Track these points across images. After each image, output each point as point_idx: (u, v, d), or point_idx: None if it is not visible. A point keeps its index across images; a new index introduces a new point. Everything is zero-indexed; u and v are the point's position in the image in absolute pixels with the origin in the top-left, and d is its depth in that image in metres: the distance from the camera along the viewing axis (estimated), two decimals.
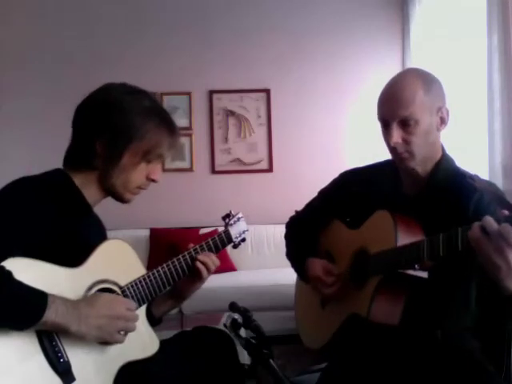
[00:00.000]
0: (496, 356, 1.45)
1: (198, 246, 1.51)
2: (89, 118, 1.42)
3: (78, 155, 1.41)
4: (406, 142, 1.41)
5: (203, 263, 1.49)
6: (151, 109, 1.42)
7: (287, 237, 1.83)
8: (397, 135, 1.40)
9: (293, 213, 1.85)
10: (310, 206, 1.78)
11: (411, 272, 1.33)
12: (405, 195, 1.50)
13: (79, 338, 1.22)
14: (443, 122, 1.45)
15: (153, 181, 1.45)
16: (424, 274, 1.32)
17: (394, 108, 1.40)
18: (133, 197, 1.46)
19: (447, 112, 1.45)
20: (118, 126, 1.37)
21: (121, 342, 1.29)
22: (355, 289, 1.48)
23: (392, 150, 1.43)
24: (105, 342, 1.28)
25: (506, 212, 1.11)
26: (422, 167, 1.46)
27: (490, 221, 1.11)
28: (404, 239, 1.35)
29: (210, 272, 1.51)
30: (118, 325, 1.27)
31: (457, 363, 1.37)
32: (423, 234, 1.37)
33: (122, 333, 1.29)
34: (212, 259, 1.50)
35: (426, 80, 1.43)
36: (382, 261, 1.39)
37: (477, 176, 1.47)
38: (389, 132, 1.41)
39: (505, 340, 1.46)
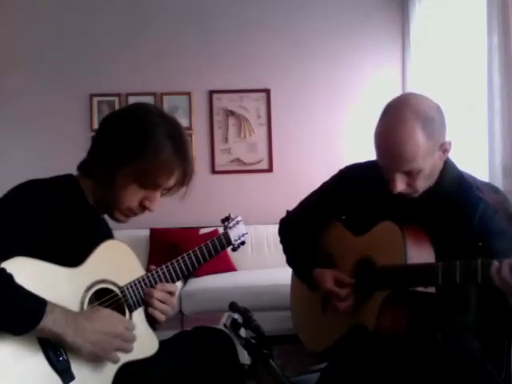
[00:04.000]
0: (496, 356, 1.45)
1: (197, 248, 1.51)
2: (101, 128, 1.41)
3: (87, 161, 1.41)
4: (410, 185, 1.37)
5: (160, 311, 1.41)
6: (167, 137, 1.35)
7: (284, 242, 1.77)
8: (400, 184, 1.36)
9: (293, 208, 1.78)
10: (305, 205, 1.72)
11: (420, 289, 1.32)
12: (407, 199, 1.47)
13: (74, 350, 1.20)
14: (446, 151, 1.40)
15: (145, 208, 1.39)
16: (432, 289, 1.32)
17: (396, 165, 1.34)
18: (123, 218, 1.41)
19: (449, 144, 1.39)
20: (123, 141, 1.33)
21: (115, 361, 1.27)
22: (359, 299, 1.47)
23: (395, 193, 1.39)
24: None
25: None
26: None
27: None
28: (413, 255, 1.34)
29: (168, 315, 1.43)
30: (114, 343, 1.25)
31: (457, 364, 1.37)
32: (432, 250, 1.36)
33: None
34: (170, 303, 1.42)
35: (426, 121, 1.32)
36: (391, 277, 1.38)
37: (483, 185, 1.46)
38: (391, 180, 1.36)
39: (505, 340, 1.46)
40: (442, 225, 1.40)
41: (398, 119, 1.33)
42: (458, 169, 1.48)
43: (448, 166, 1.45)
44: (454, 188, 1.43)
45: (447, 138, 1.40)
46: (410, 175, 1.36)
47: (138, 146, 1.32)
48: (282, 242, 1.79)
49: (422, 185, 1.40)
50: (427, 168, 1.36)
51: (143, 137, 1.33)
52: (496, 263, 1.15)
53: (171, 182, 1.39)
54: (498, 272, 1.13)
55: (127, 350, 1.29)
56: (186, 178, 1.42)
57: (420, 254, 1.34)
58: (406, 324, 1.38)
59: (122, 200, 1.36)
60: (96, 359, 1.25)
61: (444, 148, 1.39)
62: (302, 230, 1.70)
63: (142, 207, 1.40)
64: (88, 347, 1.21)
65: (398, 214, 1.43)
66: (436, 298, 1.36)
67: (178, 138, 1.38)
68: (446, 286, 1.28)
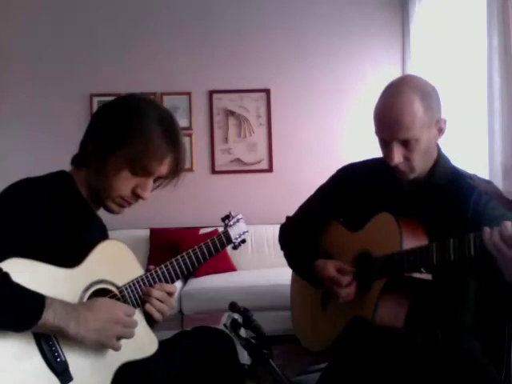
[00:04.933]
0: (496, 356, 1.46)
1: (197, 247, 1.50)
2: (92, 118, 1.43)
3: (79, 153, 1.42)
4: (407, 159, 1.40)
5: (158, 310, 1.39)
6: (156, 122, 1.35)
7: (286, 247, 1.77)
8: (398, 155, 1.39)
9: (293, 213, 1.79)
10: (305, 208, 1.74)
11: (417, 275, 1.32)
12: (403, 193, 1.50)
13: (78, 341, 1.21)
14: (441, 131, 1.44)
15: (138, 196, 1.38)
16: (428, 276, 1.32)
17: (395, 131, 1.38)
18: (117, 207, 1.40)
19: (444, 122, 1.44)
20: (112, 127, 1.34)
21: (117, 348, 1.27)
22: (359, 292, 1.47)
23: (393, 166, 1.42)
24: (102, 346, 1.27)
25: None
26: (421, 173, 1.46)
27: (507, 227, 1.12)
28: (409, 244, 1.35)
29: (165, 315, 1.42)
30: (115, 329, 1.26)
31: (457, 364, 1.37)
32: (427, 238, 1.37)
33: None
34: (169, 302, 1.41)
35: (424, 95, 1.38)
36: (388, 264, 1.38)
37: (475, 175, 1.48)
38: (389, 151, 1.40)
39: (505, 340, 1.46)
40: (438, 216, 1.42)
41: (397, 91, 1.41)
42: (450, 161, 1.51)
43: (441, 157, 1.48)
44: (447, 179, 1.45)
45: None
46: (407, 146, 1.38)
47: (126, 130, 1.33)
48: (282, 247, 1.79)
49: (419, 161, 1.41)
50: (423, 140, 1.39)
51: (134, 122, 1.33)
52: (487, 229, 1.17)
53: (163, 169, 1.38)
54: (490, 237, 1.15)
55: (128, 336, 1.29)
56: (178, 165, 1.40)
57: (415, 243, 1.35)
58: (405, 316, 1.37)
59: (114, 187, 1.35)
60: (99, 348, 1.25)
61: (439, 126, 1.43)
62: (303, 235, 1.70)
63: (135, 196, 1.38)
64: (92, 336, 1.21)
65: (394, 209, 1.44)
66: (434, 289, 1.37)
67: (168, 124, 1.37)
68: (440, 268, 1.29)
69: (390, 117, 1.38)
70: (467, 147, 3.49)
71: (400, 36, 4.62)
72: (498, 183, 2.96)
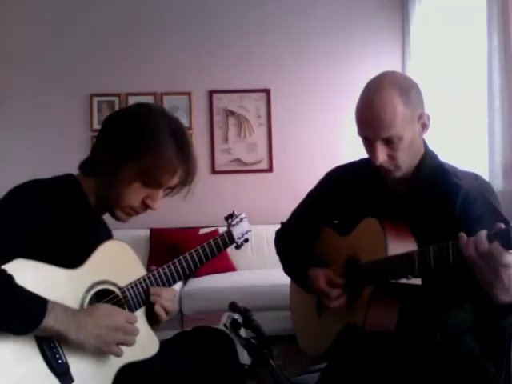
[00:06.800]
0: (496, 357, 1.45)
1: (199, 247, 1.50)
2: (105, 126, 1.41)
3: (89, 160, 1.41)
4: (392, 157, 1.38)
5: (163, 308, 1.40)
6: (169, 134, 1.35)
7: (280, 253, 1.78)
8: (382, 154, 1.37)
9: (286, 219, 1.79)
10: (297, 213, 1.74)
11: (404, 281, 1.31)
12: (390, 194, 1.48)
13: (78, 346, 1.21)
14: (425, 127, 1.42)
15: (147, 206, 1.39)
16: (417, 281, 1.30)
17: (376, 130, 1.35)
18: (125, 216, 1.41)
19: (428, 117, 1.41)
20: (126, 138, 1.33)
21: (117, 354, 1.26)
22: (350, 298, 1.47)
23: (378, 165, 1.40)
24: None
25: (502, 225, 1.10)
26: (407, 170, 1.44)
27: (482, 240, 1.11)
28: (394, 248, 1.33)
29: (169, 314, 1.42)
30: (116, 336, 1.25)
31: (457, 365, 1.37)
32: (413, 240, 1.35)
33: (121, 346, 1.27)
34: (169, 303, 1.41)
35: (403, 90, 1.36)
36: (374, 271, 1.38)
37: (462, 172, 1.46)
38: (373, 151, 1.38)
39: (505, 340, 1.45)
40: (426, 216, 1.40)
41: (376, 88, 1.40)
42: (438, 158, 1.48)
43: (427, 153, 1.46)
44: (434, 175, 1.43)
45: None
46: (391, 144, 1.36)
47: (141, 143, 1.33)
48: (277, 253, 1.79)
49: (404, 159, 1.39)
50: (407, 137, 1.36)
51: (147, 134, 1.33)
52: (463, 235, 1.15)
53: (174, 180, 1.39)
54: (465, 246, 1.13)
55: (129, 343, 1.28)
56: (188, 177, 1.41)
57: (402, 246, 1.33)
58: (396, 321, 1.37)
59: (124, 198, 1.36)
60: (99, 354, 1.25)
61: (423, 121, 1.40)
62: (295, 242, 1.70)
63: (144, 206, 1.39)
64: (91, 342, 1.21)
65: (382, 210, 1.43)
66: (426, 294, 1.36)
67: (181, 137, 1.38)
68: (426, 275, 1.28)
69: (371, 115, 1.36)
70: (467, 147, 3.49)
71: (400, 36, 4.62)
72: (498, 183, 2.97)
